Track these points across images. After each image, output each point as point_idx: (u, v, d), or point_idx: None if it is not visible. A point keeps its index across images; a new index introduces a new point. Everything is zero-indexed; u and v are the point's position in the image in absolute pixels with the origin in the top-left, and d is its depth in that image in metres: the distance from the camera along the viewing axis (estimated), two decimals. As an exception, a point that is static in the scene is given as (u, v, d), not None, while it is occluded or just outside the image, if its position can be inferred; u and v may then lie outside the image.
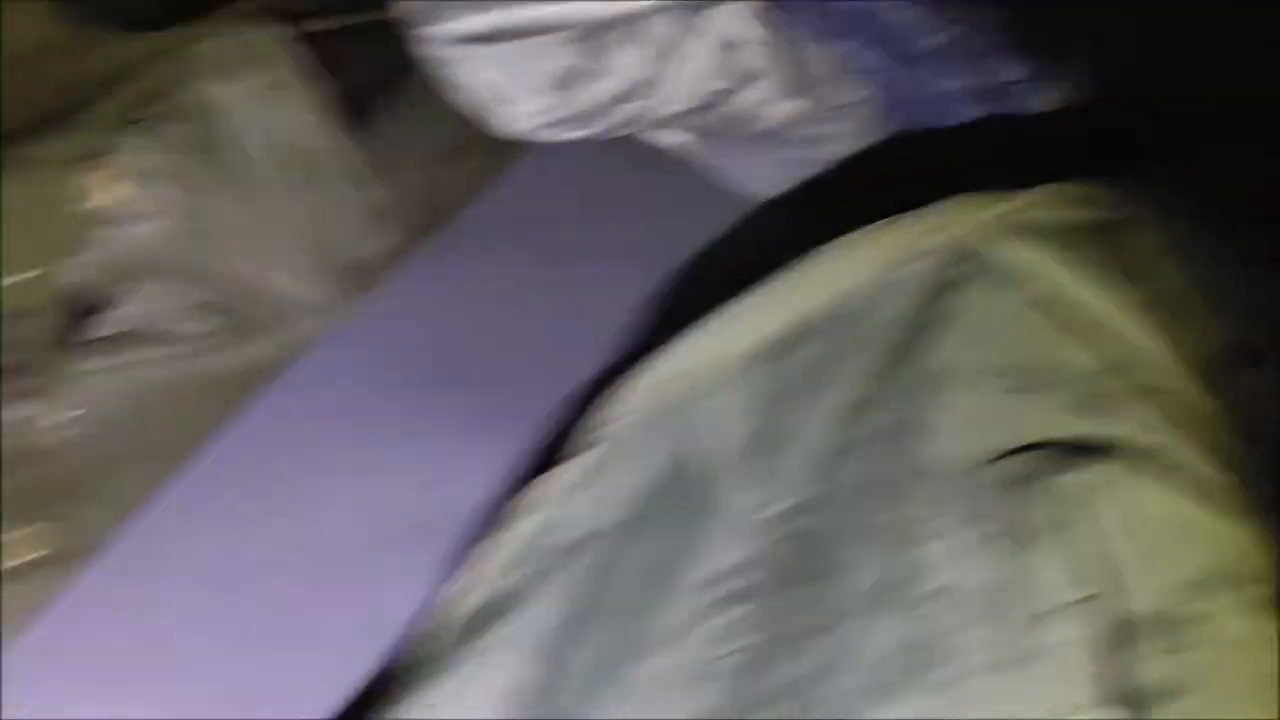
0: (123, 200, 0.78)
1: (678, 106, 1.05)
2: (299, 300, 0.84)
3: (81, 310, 0.77)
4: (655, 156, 1.08)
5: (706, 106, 1.06)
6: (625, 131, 1.05)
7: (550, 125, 1.02)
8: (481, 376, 0.84)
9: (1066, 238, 0.61)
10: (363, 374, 0.81)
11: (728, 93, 1.06)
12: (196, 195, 0.81)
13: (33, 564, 0.68)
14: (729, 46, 1.03)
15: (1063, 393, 0.54)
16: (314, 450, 0.76)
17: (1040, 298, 0.58)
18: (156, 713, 0.62)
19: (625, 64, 1.01)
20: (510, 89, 0.98)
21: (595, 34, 1.00)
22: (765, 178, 1.10)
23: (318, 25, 0.92)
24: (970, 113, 1.15)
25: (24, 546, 0.68)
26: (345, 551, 0.71)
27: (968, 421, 0.55)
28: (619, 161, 1.05)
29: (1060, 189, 0.64)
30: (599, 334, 0.88)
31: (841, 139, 1.10)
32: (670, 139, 1.10)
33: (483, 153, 1.00)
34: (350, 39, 0.94)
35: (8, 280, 0.76)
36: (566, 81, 0.99)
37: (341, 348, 0.82)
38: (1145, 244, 0.61)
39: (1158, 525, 0.48)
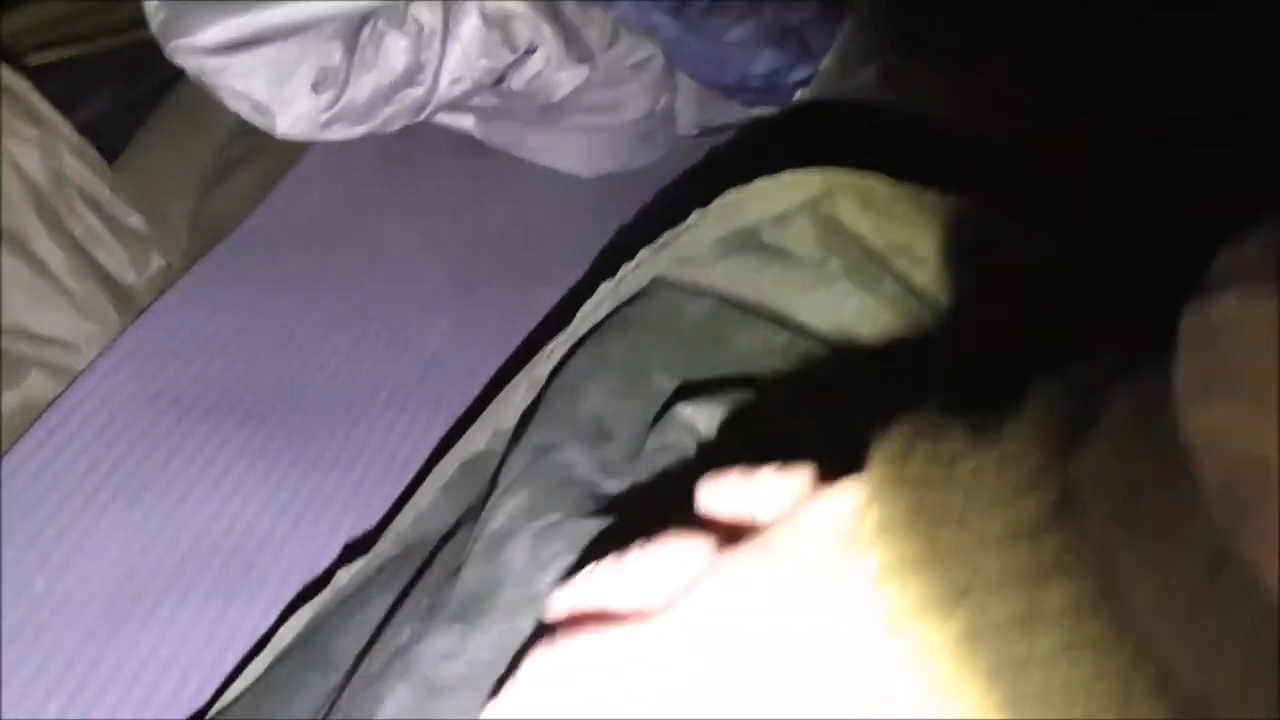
0: None
1: (455, 90, 1.03)
2: (59, 338, 0.80)
3: None
4: (447, 146, 1.06)
5: (485, 87, 1.05)
6: (404, 122, 1.03)
7: (326, 125, 1.00)
8: (265, 401, 0.81)
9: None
10: (133, 408, 0.78)
11: (504, 70, 1.04)
12: None
13: None
14: (495, 23, 1.01)
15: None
16: (82, 488, 0.73)
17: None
18: None
19: (391, 54, 0.99)
20: (278, 93, 0.96)
21: (355, 28, 0.98)
22: (565, 151, 1.09)
23: (51, 57, 0.89)
24: (765, 57, 1.14)
25: None
26: (116, 592, 0.68)
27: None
28: (407, 155, 1.02)
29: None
30: (386, 345, 0.86)
31: (635, 100, 1.09)
32: (460, 124, 1.09)
33: (259, 164, 0.98)
34: (88, 69, 0.91)
35: None
36: (333, 79, 0.97)
37: (107, 383, 0.79)
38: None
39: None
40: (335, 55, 0.95)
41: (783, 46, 1.15)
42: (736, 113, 1.13)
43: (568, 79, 1.06)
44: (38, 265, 0.79)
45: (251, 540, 0.70)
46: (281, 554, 0.70)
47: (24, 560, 0.67)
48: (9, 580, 0.65)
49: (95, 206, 0.83)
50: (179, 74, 0.92)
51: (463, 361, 0.86)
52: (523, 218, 1.02)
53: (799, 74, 1.09)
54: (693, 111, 1.14)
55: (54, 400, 0.76)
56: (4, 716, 0.60)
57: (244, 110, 0.94)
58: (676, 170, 1.06)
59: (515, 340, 0.88)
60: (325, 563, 0.71)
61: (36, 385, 0.77)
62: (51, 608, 0.65)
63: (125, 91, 0.92)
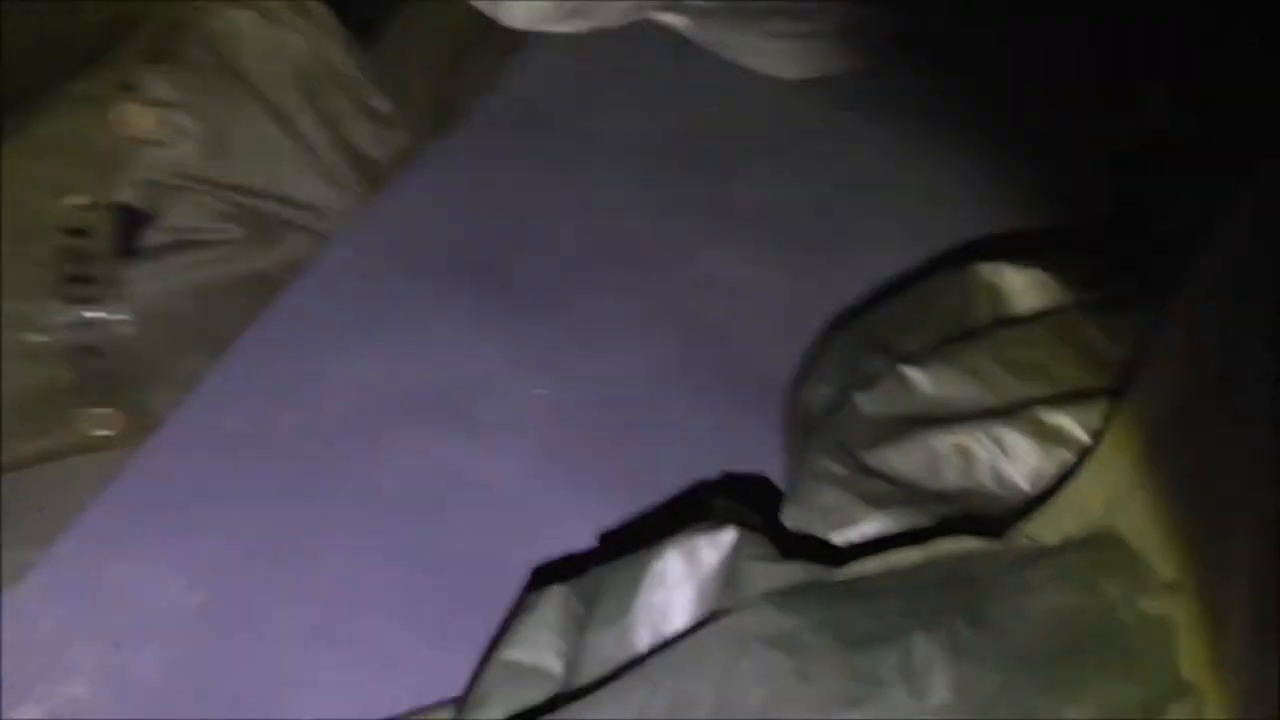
0: (153, 127, 0.93)
1: None
2: (315, 205, 0.98)
3: (129, 225, 0.92)
4: (659, 44, 1.19)
5: None
6: (623, 19, 1.17)
7: (552, 18, 1.15)
8: (487, 267, 0.98)
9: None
10: (375, 268, 0.96)
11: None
12: (217, 117, 0.95)
13: (101, 441, 0.83)
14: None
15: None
16: (332, 336, 0.91)
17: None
18: (204, 559, 0.78)
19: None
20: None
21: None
22: (761, 52, 1.21)
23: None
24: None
25: (93, 424, 0.84)
26: (357, 421, 0.86)
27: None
28: (622, 50, 1.16)
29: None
30: (593, 221, 1.02)
31: (829, 13, 1.20)
32: (673, 22, 1.22)
33: (486, 53, 1.13)
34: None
35: (66, 203, 0.91)
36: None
37: (355, 246, 0.97)
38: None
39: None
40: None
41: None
42: (937, 23, 1.21)
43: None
44: (300, 141, 0.96)
45: (467, 386, 0.86)
46: (492, 400, 0.86)
47: (279, 392, 0.84)
48: (267, 406, 0.82)
49: (348, 90, 0.99)
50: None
51: (660, 240, 1.01)
52: (724, 114, 1.15)
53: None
54: (887, 20, 1.23)
55: (310, 258, 0.93)
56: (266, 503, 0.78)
57: (479, 2, 1.09)
58: (874, 79, 1.17)
59: (712, 227, 1.06)
60: (527, 411, 0.88)
61: (294, 245, 0.94)
62: (298, 431, 0.82)
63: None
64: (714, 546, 0.61)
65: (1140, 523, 0.57)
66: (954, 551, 0.58)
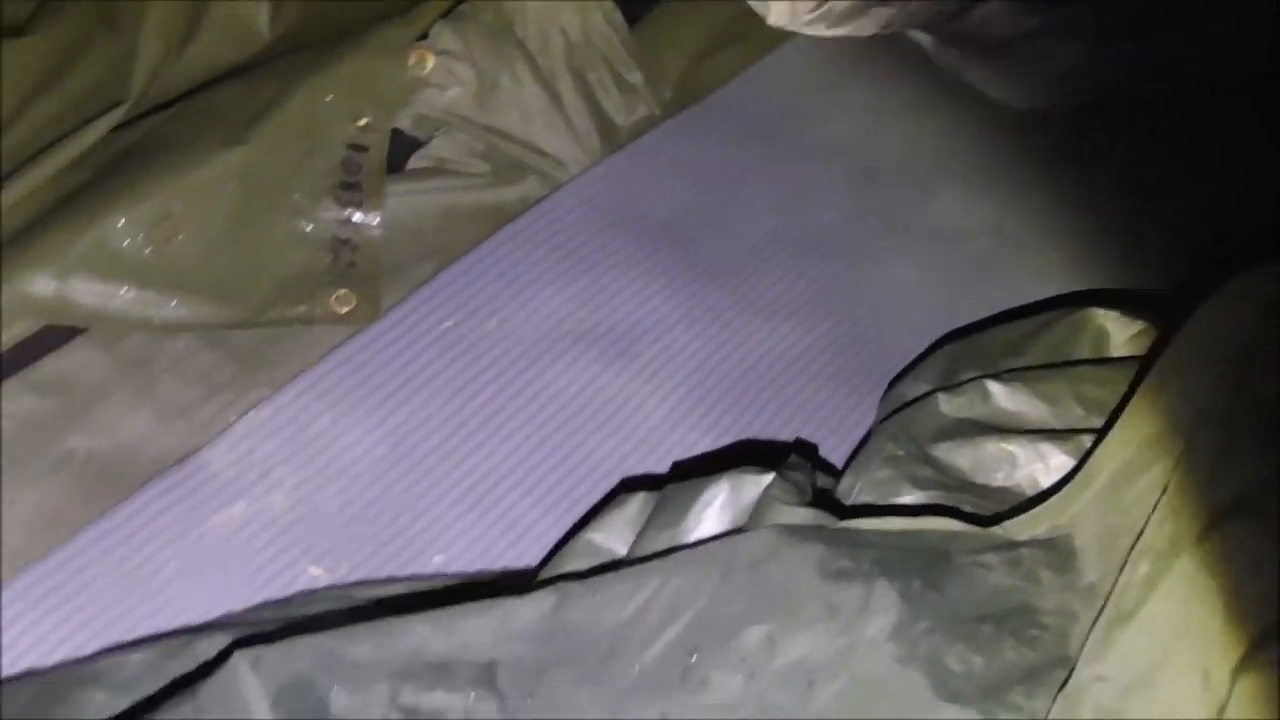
0: (435, 72, 1.16)
1: (927, 13, 1.31)
2: (557, 156, 1.19)
3: (399, 148, 1.16)
4: (904, 58, 1.34)
5: (952, 15, 1.32)
6: (873, 32, 1.33)
7: (809, 21, 1.32)
8: (680, 235, 1.16)
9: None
10: (587, 217, 1.16)
11: (969, 4, 1.31)
12: (490, 71, 1.17)
13: (341, 317, 1.08)
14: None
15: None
16: (537, 266, 1.12)
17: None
18: (392, 425, 1.00)
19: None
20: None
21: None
22: (1000, 85, 1.35)
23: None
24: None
25: (337, 303, 1.08)
26: (539, 340, 1.06)
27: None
28: (867, 59, 1.32)
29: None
30: (796, 216, 1.19)
31: (1069, 56, 1.33)
32: (919, 39, 1.37)
33: (743, 46, 1.31)
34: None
35: (355, 125, 1.16)
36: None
37: (578, 195, 1.17)
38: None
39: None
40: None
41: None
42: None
43: (1017, 25, 1.31)
44: (555, 99, 1.17)
45: (637, 329, 1.06)
46: (655, 345, 1.06)
47: (484, 304, 1.06)
48: (472, 314, 1.04)
49: (608, 61, 1.19)
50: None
51: (844, 241, 1.20)
52: (941, 132, 1.30)
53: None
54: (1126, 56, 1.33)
55: (539, 200, 1.14)
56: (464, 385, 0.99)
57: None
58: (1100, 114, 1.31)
59: (897, 236, 1.21)
60: (683, 361, 1.08)
61: (531, 186, 1.15)
62: (493, 339, 1.04)
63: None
64: (756, 485, 0.78)
65: (1089, 535, 0.71)
66: (939, 529, 0.74)
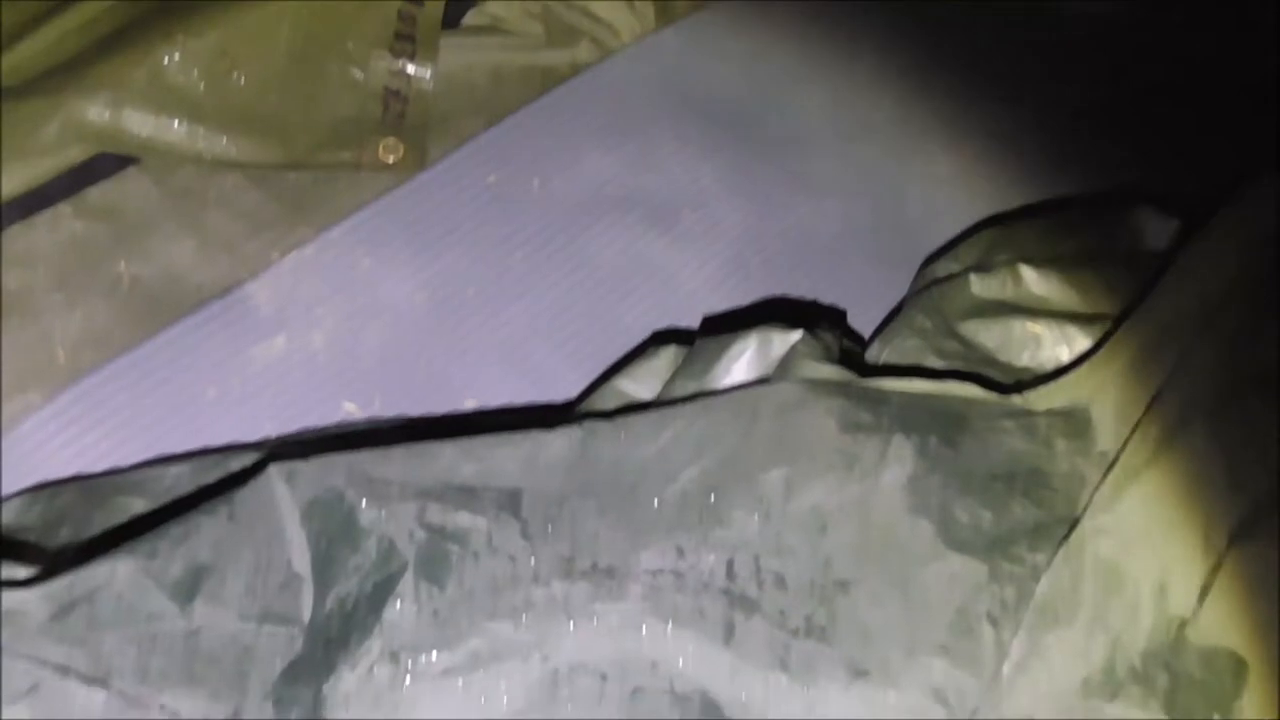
0: None
1: None
2: (611, 23, 1.21)
3: (455, 4, 1.17)
4: None
5: None
6: None
7: None
8: (732, 112, 1.17)
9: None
10: (637, 87, 1.17)
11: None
12: None
13: (387, 166, 1.10)
14: None
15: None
16: (584, 129, 1.14)
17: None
18: (433, 273, 1.02)
19: None
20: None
21: None
22: None
23: None
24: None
25: (384, 151, 1.10)
26: (583, 202, 1.08)
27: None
28: None
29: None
30: (852, 106, 1.21)
31: None
32: None
33: None
34: None
35: None
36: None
37: (629, 64, 1.18)
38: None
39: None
40: None
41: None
42: None
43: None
44: None
45: (680, 197, 1.08)
46: (697, 214, 1.08)
47: (531, 162, 1.07)
48: (518, 171, 1.06)
49: None
50: None
51: (897, 130, 1.23)
52: (999, 31, 1.31)
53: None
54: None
55: (591, 65, 1.15)
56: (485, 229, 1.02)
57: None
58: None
59: (952, 129, 1.24)
60: (724, 230, 1.10)
61: (584, 52, 1.17)
62: (537, 197, 1.07)
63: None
64: (784, 341, 0.80)
65: (1107, 407, 0.73)
66: (960, 394, 0.76)
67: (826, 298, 1.03)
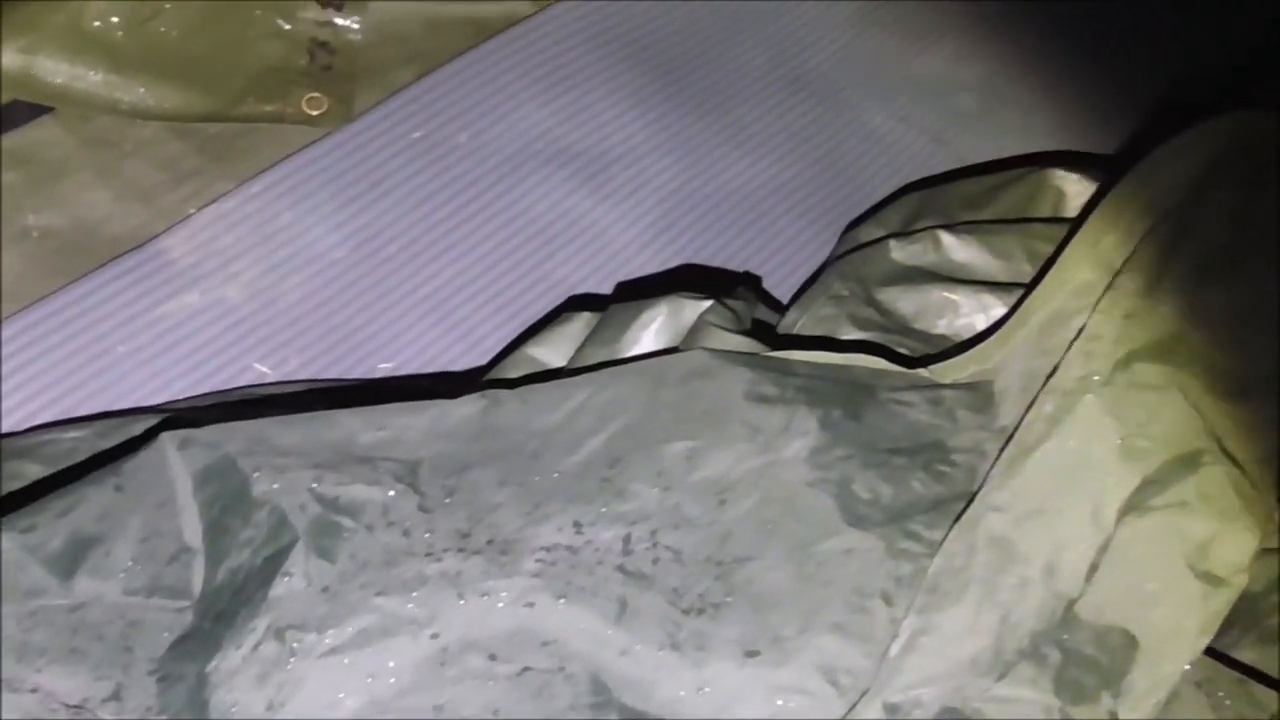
0: None
1: None
2: None
3: None
4: None
5: None
6: None
7: None
8: (669, 67, 1.16)
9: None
10: (572, 40, 1.15)
11: None
12: None
13: (312, 118, 1.08)
14: None
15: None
16: (516, 83, 1.12)
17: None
18: (355, 227, 1.00)
19: None
20: None
21: None
22: None
23: None
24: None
25: (309, 104, 1.08)
26: (511, 157, 1.07)
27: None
28: None
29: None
30: (794, 61, 1.19)
31: None
32: None
33: None
34: None
35: None
36: None
37: (565, 17, 1.16)
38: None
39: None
40: None
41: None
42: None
43: None
44: None
45: (610, 153, 1.06)
46: (628, 170, 1.07)
47: (457, 116, 1.06)
48: (445, 125, 1.04)
49: None
50: None
51: (840, 86, 1.22)
52: None
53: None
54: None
55: (526, 18, 1.13)
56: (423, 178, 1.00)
57: None
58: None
59: (898, 88, 1.23)
60: (654, 188, 1.09)
61: (520, 4, 1.15)
62: (464, 152, 1.05)
63: None
64: (694, 309, 0.79)
65: (1011, 378, 0.73)
66: (868, 366, 0.75)
67: (757, 258, 1.02)
